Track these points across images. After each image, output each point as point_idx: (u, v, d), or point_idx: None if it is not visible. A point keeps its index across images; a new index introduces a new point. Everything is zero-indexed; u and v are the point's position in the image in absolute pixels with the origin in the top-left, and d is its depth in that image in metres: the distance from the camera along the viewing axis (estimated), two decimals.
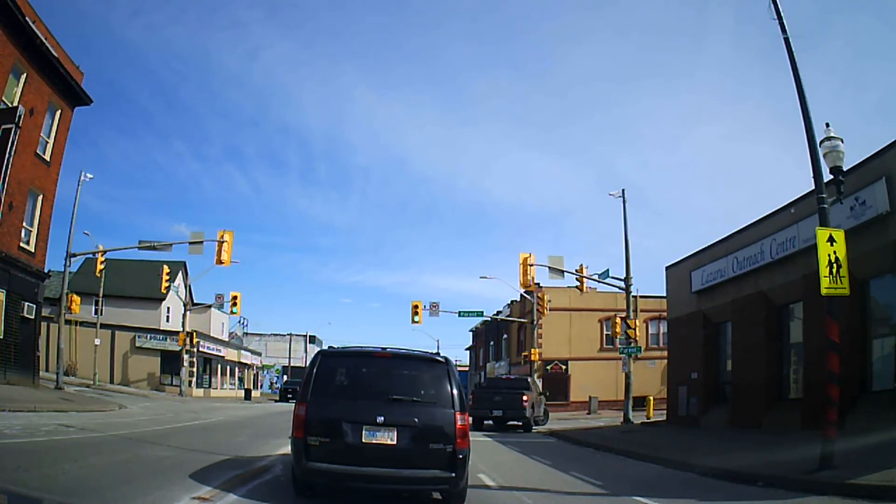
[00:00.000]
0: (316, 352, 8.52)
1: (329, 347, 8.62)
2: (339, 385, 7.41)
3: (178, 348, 41.98)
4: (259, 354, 64.67)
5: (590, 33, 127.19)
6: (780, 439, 15.08)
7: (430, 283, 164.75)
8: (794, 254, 16.59)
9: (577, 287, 29.81)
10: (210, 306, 47.91)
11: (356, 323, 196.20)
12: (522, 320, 42.11)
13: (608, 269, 28.62)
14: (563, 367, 42.26)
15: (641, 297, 47.16)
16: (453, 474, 6.76)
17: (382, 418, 6.72)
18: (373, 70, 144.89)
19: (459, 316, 39.61)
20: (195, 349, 43.44)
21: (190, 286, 49.26)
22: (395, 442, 6.70)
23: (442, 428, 6.82)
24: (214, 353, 47.50)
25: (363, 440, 6.67)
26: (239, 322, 63.12)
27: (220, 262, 27.26)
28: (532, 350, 38.99)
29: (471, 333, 73.62)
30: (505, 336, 52.70)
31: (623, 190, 28.51)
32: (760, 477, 10.67)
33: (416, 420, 6.81)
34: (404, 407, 6.92)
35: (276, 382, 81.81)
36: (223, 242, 27.39)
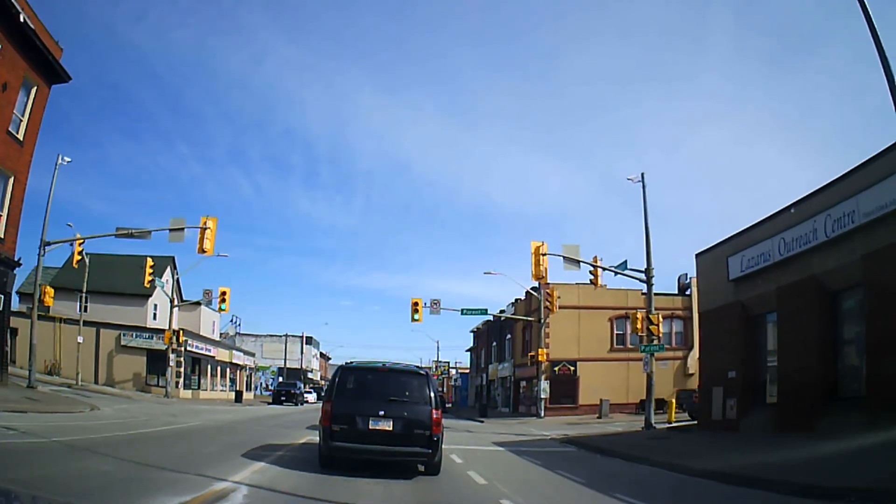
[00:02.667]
0: (337, 366, 11.17)
1: (347, 363, 10.89)
2: (354, 389, 10.11)
3: (164, 347, 39.75)
4: (253, 355, 62.21)
5: (591, 36, 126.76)
6: (842, 444, 12.81)
7: (432, 285, 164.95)
8: (852, 231, 14.38)
9: (590, 281, 27.46)
10: (198, 303, 45.61)
11: (356, 326, 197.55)
12: (529, 318, 39.85)
13: (626, 261, 26.42)
14: (572, 368, 39.96)
15: (654, 294, 44.97)
16: (430, 450, 9.62)
17: (383, 412, 9.52)
18: (377, 74, 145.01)
19: (462, 314, 37.37)
20: (182, 348, 41.10)
21: (179, 282, 47.00)
22: (391, 428, 9.46)
23: (423, 419, 9.64)
24: (204, 352, 45.16)
25: (369, 427, 9.44)
26: (231, 321, 60.68)
27: (202, 250, 25.01)
28: (539, 350, 36.71)
29: (472, 334, 71.33)
30: (509, 336, 50.39)
31: (643, 174, 26.45)
32: (851, 491, 8.49)
33: (406, 413, 9.63)
34: (397, 404, 9.73)
35: (271, 384, 79.40)
36: (206, 229, 25.11)
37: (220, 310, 37.42)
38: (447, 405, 61.72)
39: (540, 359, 36.47)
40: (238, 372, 55.31)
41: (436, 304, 37.37)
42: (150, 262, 34.60)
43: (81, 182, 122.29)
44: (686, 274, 46.87)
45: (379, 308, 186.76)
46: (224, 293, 37.31)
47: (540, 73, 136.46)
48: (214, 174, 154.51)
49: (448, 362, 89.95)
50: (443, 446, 10.22)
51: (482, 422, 35.36)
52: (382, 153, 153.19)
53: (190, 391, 42.96)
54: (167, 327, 40.22)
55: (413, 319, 36.84)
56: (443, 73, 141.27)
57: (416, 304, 36.92)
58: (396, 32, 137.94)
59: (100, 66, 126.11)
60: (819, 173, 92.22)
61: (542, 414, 36.50)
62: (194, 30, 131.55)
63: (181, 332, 38.95)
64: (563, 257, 24.37)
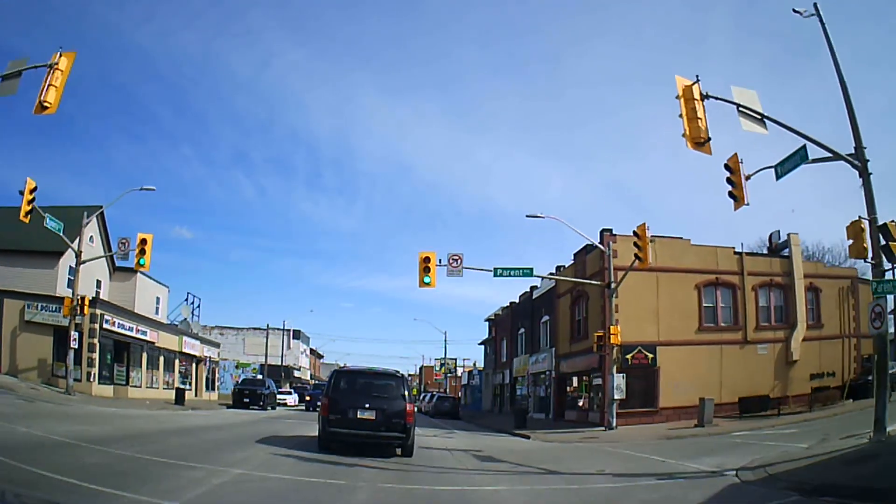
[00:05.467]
0: (333, 370, 15.32)
1: (341, 368, 15.77)
2: (345, 388, 13.34)
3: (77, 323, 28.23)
4: (217, 346, 50.06)
5: (594, 37, 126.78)
6: None
7: (432, 288, 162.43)
8: None
9: (729, 194, 15.40)
10: (133, 271, 33.63)
11: (356, 327, 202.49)
12: (595, 283, 27.80)
13: (804, 146, 14.63)
14: (650, 355, 28.10)
15: (747, 254, 33.23)
16: (404, 435, 12.87)
17: (368, 405, 12.79)
18: (381, 76, 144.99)
19: (496, 275, 25.44)
20: (97, 325, 29.25)
21: (108, 237, 35.22)
22: (374, 418, 12.73)
23: (399, 411, 12.89)
24: (135, 335, 33.00)
25: (358, 416, 12.69)
26: (186, 301, 48.40)
27: (42, 106, 13.23)
28: (611, 329, 24.78)
29: (487, 324, 59.32)
30: (545, 318, 38.37)
31: (815, 4, 15.12)
32: None
33: (386, 406, 12.86)
34: (380, 399, 13.00)
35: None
36: (53, 68, 13.41)
37: (139, 265, 25.63)
38: (457, 408, 49.65)
39: (612, 341, 24.63)
40: (194, 365, 43.23)
41: (456, 261, 25.52)
42: (30, 184, 22.65)
43: (84, 183, 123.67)
44: (778, 231, 35.17)
45: (380, 310, 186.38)
46: (144, 240, 25.48)
47: (542, 74, 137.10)
48: (217, 175, 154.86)
49: (455, 359, 78.31)
50: None
51: (528, 438, 23.55)
52: (385, 155, 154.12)
53: (112, 386, 30.98)
54: (89, 295, 28.67)
55: (423, 283, 25.07)
56: (446, 75, 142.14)
57: (426, 260, 25.12)
58: (400, 34, 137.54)
59: (105, 68, 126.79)
60: (821, 175, 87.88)
61: (615, 423, 24.65)
62: (200, 32, 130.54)
63: (86, 299, 27.12)
64: (738, 107, 12.60)
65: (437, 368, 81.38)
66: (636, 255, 22.78)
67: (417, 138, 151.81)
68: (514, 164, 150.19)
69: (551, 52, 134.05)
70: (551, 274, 31.92)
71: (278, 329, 76.97)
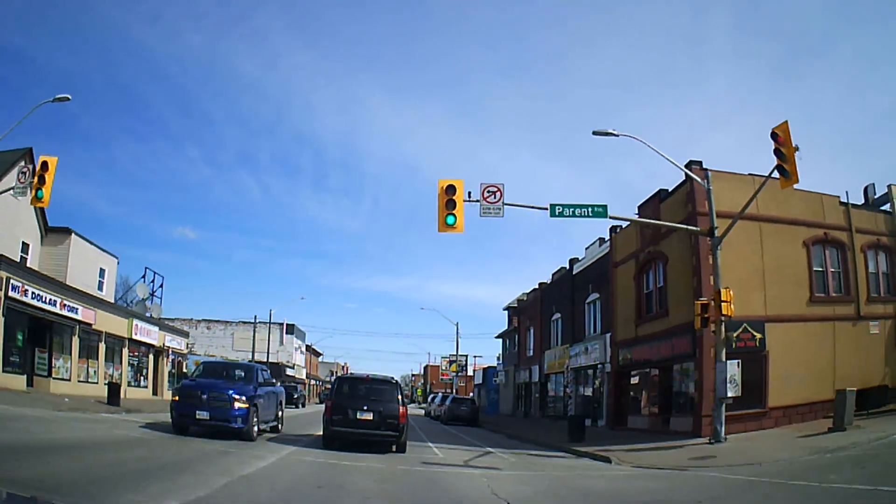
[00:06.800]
0: (336, 377, 21.89)
1: (343, 374, 20.43)
2: (347, 392, 15.76)
3: None
4: (186, 335, 42.09)
5: (599, 39, 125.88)
6: None
7: (437, 288, 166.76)
8: None
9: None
10: (58, 227, 25.75)
11: (359, 327, 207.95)
12: (692, 228, 19.65)
13: None
14: (758, 335, 20.30)
15: (853, 206, 25.40)
16: (398, 434, 15.15)
17: (366, 407, 15.00)
18: (387, 76, 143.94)
19: (552, 214, 17.56)
20: (1, 293, 21.51)
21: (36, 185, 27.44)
22: (371, 418, 14.91)
23: (393, 412, 15.08)
24: (59, 312, 25.13)
25: (357, 417, 14.90)
26: (144, 279, 40.07)
27: None
28: (722, 294, 17.00)
29: (507, 313, 51.47)
30: (594, 297, 30.47)
31: None
32: None
33: (382, 409, 15.03)
34: (376, 402, 15.16)
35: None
36: None
37: (36, 199, 17.98)
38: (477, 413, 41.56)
39: (724, 312, 16.84)
40: (151, 357, 35.36)
41: (493, 193, 17.81)
42: None
43: (88, 184, 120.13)
44: (873, 184, 27.30)
45: (383, 310, 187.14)
46: (45, 164, 17.82)
47: (547, 76, 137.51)
48: (223, 176, 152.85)
49: (466, 356, 70.50)
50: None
51: (607, 460, 15.68)
52: (391, 156, 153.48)
53: (24, 377, 23.24)
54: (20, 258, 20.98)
55: (446, 225, 17.54)
56: (451, 76, 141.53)
57: (450, 191, 17.49)
58: (405, 34, 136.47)
59: (110, 67, 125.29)
60: (824, 176, 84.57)
61: (723, 432, 16.83)
62: (206, 33, 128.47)
63: None
64: None
65: (445, 367, 73.39)
66: (779, 169, 14.92)
67: (423, 139, 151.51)
68: (518, 164, 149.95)
69: (556, 53, 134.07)
70: (637, 216, 23.41)
71: (272, 323, 69.39)
